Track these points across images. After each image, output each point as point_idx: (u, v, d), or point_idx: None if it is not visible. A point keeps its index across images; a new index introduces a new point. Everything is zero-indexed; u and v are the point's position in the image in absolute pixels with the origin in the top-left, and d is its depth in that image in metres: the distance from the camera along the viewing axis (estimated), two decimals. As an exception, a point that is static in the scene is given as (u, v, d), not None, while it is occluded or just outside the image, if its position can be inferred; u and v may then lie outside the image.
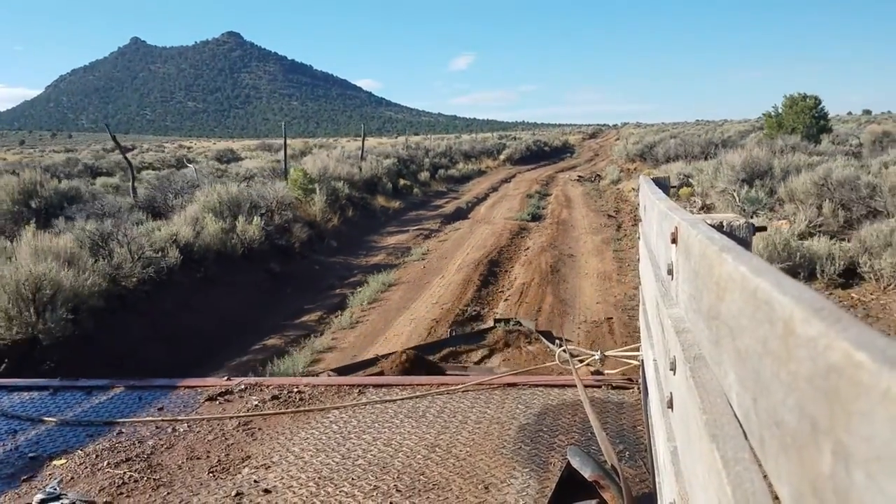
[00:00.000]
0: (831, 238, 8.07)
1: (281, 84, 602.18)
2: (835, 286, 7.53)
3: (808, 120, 22.50)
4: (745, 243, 1.49)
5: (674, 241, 1.45)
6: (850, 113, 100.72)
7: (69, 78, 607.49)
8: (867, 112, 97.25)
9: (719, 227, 1.47)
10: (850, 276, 7.58)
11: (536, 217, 16.50)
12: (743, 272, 0.72)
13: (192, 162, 25.68)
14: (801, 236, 8.32)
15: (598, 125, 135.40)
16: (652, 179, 2.88)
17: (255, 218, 10.86)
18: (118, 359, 6.63)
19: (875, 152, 16.72)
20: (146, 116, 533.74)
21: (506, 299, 8.96)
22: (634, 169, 22.01)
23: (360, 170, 19.32)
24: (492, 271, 10.48)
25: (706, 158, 17.47)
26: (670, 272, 1.55)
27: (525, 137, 52.91)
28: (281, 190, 13.07)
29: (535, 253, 11.72)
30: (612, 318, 7.81)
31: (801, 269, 7.58)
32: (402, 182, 21.67)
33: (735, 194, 11.69)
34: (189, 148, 51.48)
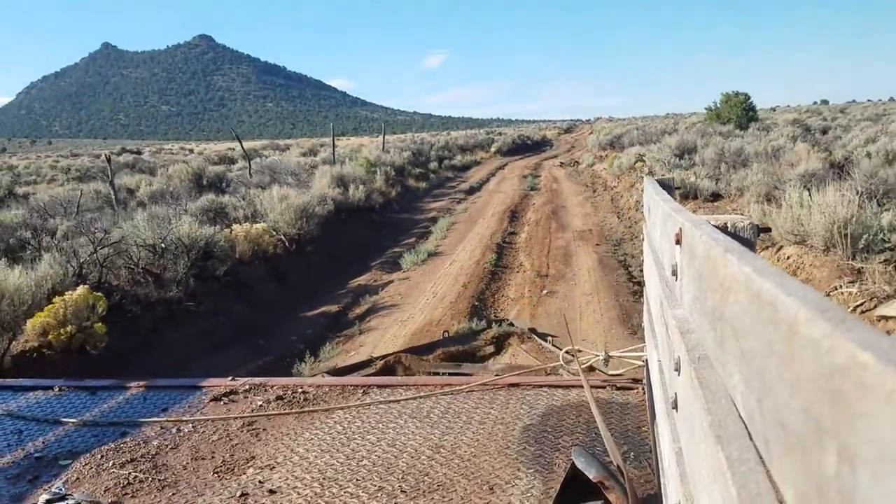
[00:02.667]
0: (713, 181, 13.97)
1: (255, 86, 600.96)
2: (706, 201, 12.88)
3: (739, 112, 28.45)
4: (749, 244, 1.48)
5: (678, 242, 1.45)
6: (815, 102, 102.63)
7: (40, 85, 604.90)
8: (825, 102, 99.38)
9: (723, 229, 1.47)
10: (716, 197, 13.05)
11: (534, 188, 22.65)
12: (747, 273, 0.72)
13: (282, 152, 34.46)
14: (700, 179, 14.22)
15: (572, 120, 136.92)
16: (657, 181, 2.87)
17: (361, 186, 17.08)
18: (329, 254, 12.62)
19: (799, 136, 21.42)
20: (120, 121, 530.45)
21: (528, 225, 15.16)
22: (605, 155, 28.16)
23: (392, 159, 25.40)
24: (514, 216, 16.68)
25: (657, 143, 22.84)
26: (674, 273, 1.55)
27: (510, 133, 59.96)
28: (362, 171, 19.84)
29: (540, 206, 17.97)
30: (591, 229, 14.06)
31: (690, 193, 13.38)
32: (417, 170, 26.96)
33: (666, 162, 17.80)
34: (191, 150, 52.98)
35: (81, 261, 8.09)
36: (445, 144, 38.75)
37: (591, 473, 2.42)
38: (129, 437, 3.59)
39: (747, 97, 28.98)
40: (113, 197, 14.53)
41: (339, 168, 18.88)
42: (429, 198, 22.17)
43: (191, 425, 3.70)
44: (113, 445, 3.49)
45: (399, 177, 23.19)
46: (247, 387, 4.21)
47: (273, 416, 3.75)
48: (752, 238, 1.53)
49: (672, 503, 1.48)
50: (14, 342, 6.52)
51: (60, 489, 2.97)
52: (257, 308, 9.52)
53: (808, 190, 8.42)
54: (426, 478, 2.92)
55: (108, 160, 17.14)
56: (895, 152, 12.88)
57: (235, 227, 10.80)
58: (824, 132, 23.75)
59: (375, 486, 2.88)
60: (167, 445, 3.47)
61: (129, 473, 3.17)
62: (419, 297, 9.60)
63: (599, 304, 8.44)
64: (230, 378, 4.42)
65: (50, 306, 6.62)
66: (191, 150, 53.19)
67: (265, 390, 4.15)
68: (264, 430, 3.59)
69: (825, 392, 0.45)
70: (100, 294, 7.06)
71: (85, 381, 4.57)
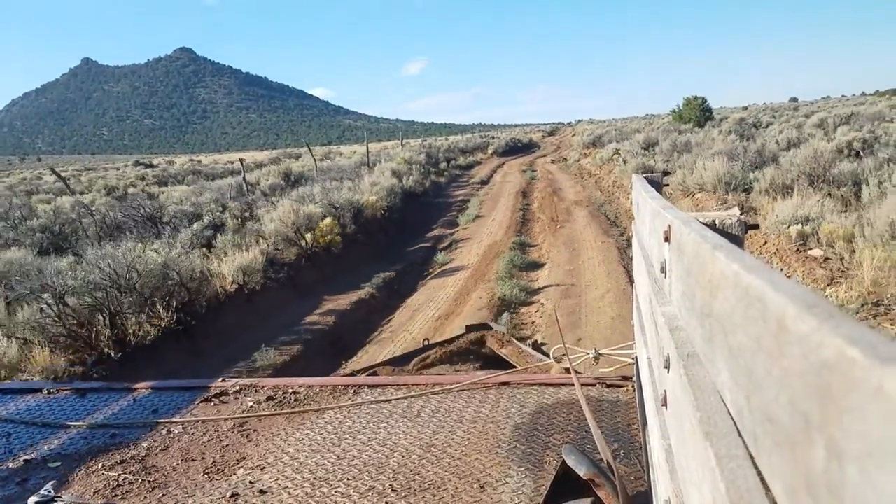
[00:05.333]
0: (665, 163, 19.29)
1: (237, 97, 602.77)
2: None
3: (697, 113, 35.31)
4: (738, 241, 1.49)
5: (666, 239, 1.45)
6: (792, 99, 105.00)
7: (21, 102, 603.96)
8: (794, 100, 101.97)
9: (711, 225, 1.48)
10: (665, 174, 15.17)
11: (534, 178, 28.64)
12: (735, 270, 0.72)
13: (296, 159, 40.94)
14: (656, 163, 20.03)
15: (554, 123, 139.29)
16: (645, 178, 2.88)
17: (412, 177, 23.51)
18: (405, 219, 18.10)
19: (736, 130, 27.33)
20: (103, 136, 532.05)
21: (537, 199, 21.03)
22: (588, 152, 34.45)
23: (416, 159, 31.66)
24: (525, 194, 22.64)
25: (630, 140, 29.54)
26: (663, 270, 1.55)
27: (502, 136, 66.61)
28: (404, 167, 25.66)
29: (542, 188, 24.03)
30: (582, 199, 19.77)
31: (648, 171, 16.82)
32: (433, 168, 32.02)
33: (635, 153, 23.49)
34: (199, 161, 55.26)
35: (298, 214, 13.13)
36: (449, 147, 45.09)
37: (582, 471, 2.42)
38: (119, 439, 3.57)
39: (704, 100, 36.28)
40: (245, 188, 20.21)
41: (391, 165, 25.66)
42: (452, 188, 28.19)
43: (181, 426, 3.68)
44: (102, 447, 3.48)
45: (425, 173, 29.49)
46: (237, 387, 4.19)
47: (264, 417, 3.74)
48: (741, 235, 1.54)
49: (662, 499, 1.48)
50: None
51: (49, 491, 2.95)
52: (380, 246, 15.08)
53: (710, 161, 14.64)
54: (417, 476, 2.92)
55: (242, 163, 24.92)
56: (794, 139, 18.88)
57: (360, 196, 16.80)
58: (767, 126, 29.91)
59: (366, 485, 2.88)
60: (157, 447, 3.45)
61: (119, 475, 3.16)
62: (481, 235, 15.72)
63: (591, 228, 14.83)
64: (221, 379, 4.40)
65: (319, 227, 12.76)
66: (199, 161, 54.97)
67: (256, 391, 4.13)
68: (255, 430, 3.58)
69: (813, 387, 0.45)
70: (335, 222, 13.42)
71: (74, 383, 4.54)
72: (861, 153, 14.57)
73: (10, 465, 3.32)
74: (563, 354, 4.14)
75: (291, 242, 12.23)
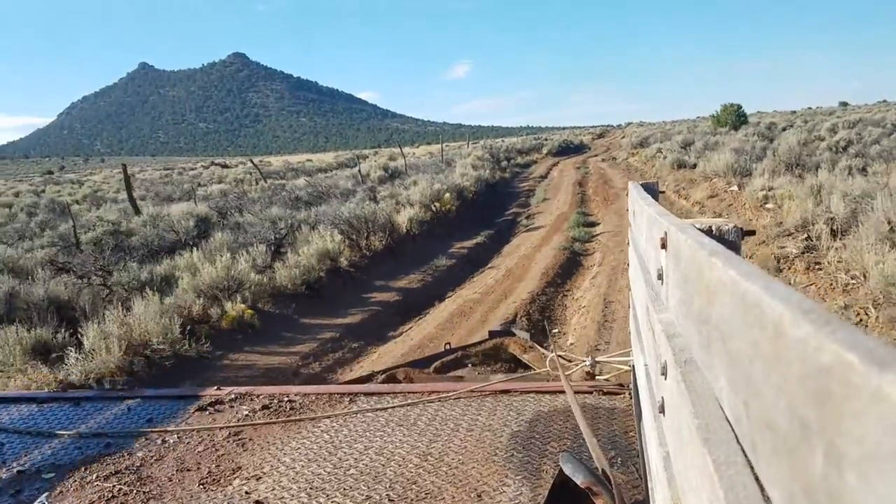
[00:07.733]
0: (696, 158, 22.56)
1: (288, 101, 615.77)
2: (689, 169, 21.74)
3: (733, 118, 39.61)
4: (735, 247, 1.49)
5: (663, 245, 1.46)
6: (842, 103, 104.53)
7: (80, 105, 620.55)
8: (843, 104, 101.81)
9: (708, 232, 1.48)
10: (695, 166, 21.16)
11: (587, 173, 32.23)
12: (732, 276, 0.72)
13: (363, 160, 45.96)
14: (690, 158, 23.64)
15: (602, 126, 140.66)
16: (641, 185, 2.88)
17: (488, 170, 28.20)
18: (488, 201, 22.67)
19: (760, 133, 31.18)
20: (159, 139, 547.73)
21: (591, 187, 25.40)
22: (636, 152, 38.80)
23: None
24: (581, 184, 26.85)
25: (671, 140, 34.34)
26: (660, 277, 1.56)
27: (555, 138, 69.80)
28: (479, 162, 30.76)
29: (595, 180, 28.11)
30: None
31: (683, 165, 23.16)
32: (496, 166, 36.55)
33: (672, 150, 27.53)
34: (269, 163, 62.83)
35: (432, 189, 18.55)
36: (507, 148, 49.05)
37: (579, 479, 2.42)
38: (114, 449, 3.55)
39: (739, 107, 40.85)
40: (360, 178, 25.08)
41: (469, 160, 30.24)
42: (516, 181, 31.95)
43: (176, 436, 3.67)
44: (97, 457, 3.45)
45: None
46: (232, 396, 4.18)
47: (259, 426, 3.72)
48: (737, 241, 1.54)
49: None
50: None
51: (43, 502, 2.93)
52: (477, 217, 19.22)
53: (723, 155, 18.88)
54: (414, 486, 2.91)
55: (357, 159, 28.23)
56: (803, 140, 22.37)
57: (459, 181, 22.11)
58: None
59: (363, 495, 2.87)
60: (152, 457, 3.43)
61: (114, 486, 3.14)
62: (550, 209, 20.48)
63: (636, 206, 18.85)
64: (215, 388, 4.39)
65: (443, 199, 18.08)
66: (269, 164, 58.12)
67: (251, 399, 4.12)
68: (250, 439, 3.56)
69: (811, 393, 0.45)
70: (451, 197, 18.58)
71: (68, 392, 4.52)
72: (843, 150, 19.84)
73: (4, 476, 3.30)
74: (559, 363, 4.14)
75: (427, 208, 17.53)
